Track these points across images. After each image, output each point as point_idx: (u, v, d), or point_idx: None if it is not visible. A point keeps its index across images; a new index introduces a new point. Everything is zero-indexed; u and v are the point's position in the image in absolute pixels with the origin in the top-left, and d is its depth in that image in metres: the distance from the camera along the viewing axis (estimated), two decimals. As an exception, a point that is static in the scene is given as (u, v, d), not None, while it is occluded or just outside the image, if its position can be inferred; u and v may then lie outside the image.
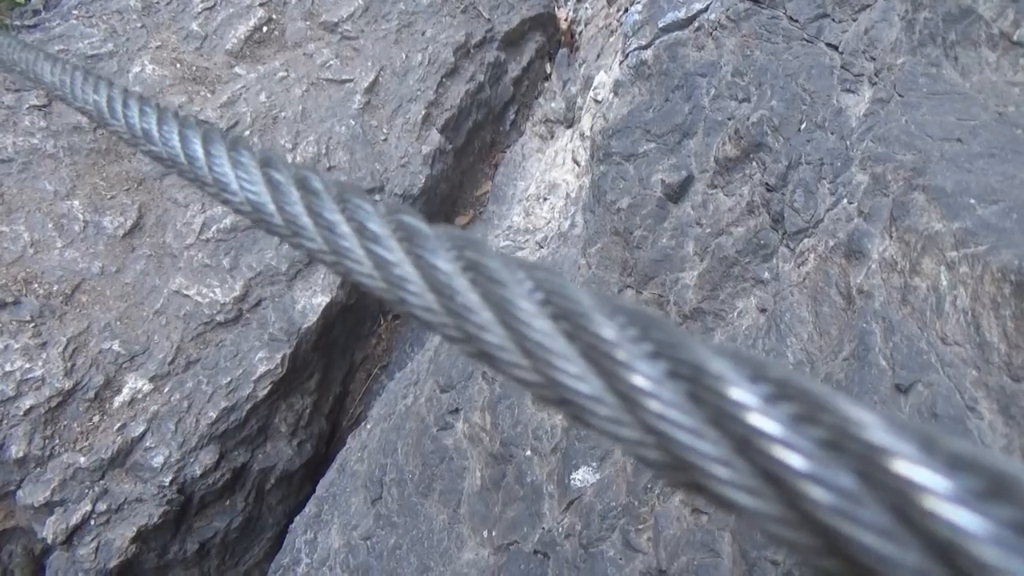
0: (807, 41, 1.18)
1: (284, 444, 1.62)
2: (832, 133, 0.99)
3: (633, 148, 1.19)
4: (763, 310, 0.93)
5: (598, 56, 2.12)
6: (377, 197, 1.81)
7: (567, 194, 1.65)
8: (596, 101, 1.80)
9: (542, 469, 1.09)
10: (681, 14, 1.26)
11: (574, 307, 0.23)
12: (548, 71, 2.31)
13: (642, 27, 1.31)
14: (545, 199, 1.82)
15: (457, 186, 2.00)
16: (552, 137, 2.12)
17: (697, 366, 0.19)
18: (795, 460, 0.16)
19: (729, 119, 1.08)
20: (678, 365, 0.20)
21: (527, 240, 1.67)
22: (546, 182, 1.88)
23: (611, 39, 2.08)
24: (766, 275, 0.95)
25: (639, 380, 0.20)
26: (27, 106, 1.72)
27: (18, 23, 1.86)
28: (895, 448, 0.16)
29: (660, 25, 1.28)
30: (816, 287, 0.87)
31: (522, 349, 0.25)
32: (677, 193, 1.07)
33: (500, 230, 1.78)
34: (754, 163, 1.03)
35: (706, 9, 1.23)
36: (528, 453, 1.14)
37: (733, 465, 0.17)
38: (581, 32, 2.44)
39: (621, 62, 1.35)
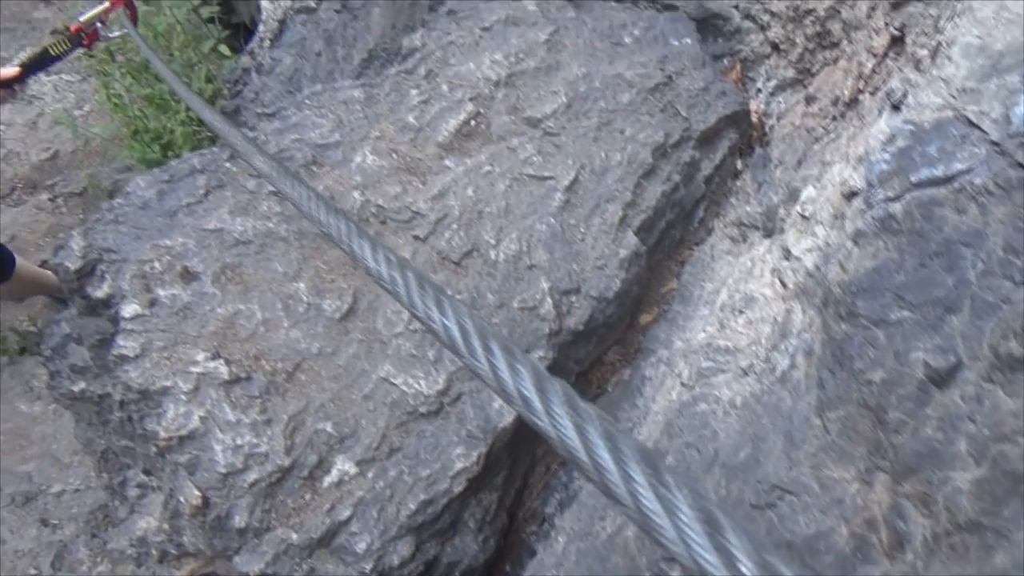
0: (1089, 212, 1.11)
1: (471, 539, 1.66)
2: None
3: (883, 313, 1.15)
4: (1055, 532, 0.87)
5: (799, 163, 2.07)
6: (573, 299, 1.85)
7: (774, 319, 1.61)
8: (803, 217, 1.76)
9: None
10: (938, 172, 1.21)
11: None
12: (738, 167, 2.29)
13: (890, 178, 1.27)
14: (741, 312, 1.79)
15: (644, 283, 2.01)
16: (745, 241, 2.09)
17: None
18: None
19: (1003, 302, 1.03)
20: None
21: (728, 362, 1.64)
22: (741, 293, 1.85)
23: (815, 147, 2.04)
24: (1060, 493, 0.89)
25: None
26: (266, 191, 1.87)
27: (259, 110, 2.04)
28: None
29: (912, 180, 1.24)
30: None
31: None
32: (942, 379, 1.02)
33: (696, 344, 1.76)
34: (1042, 362, 0.97)
35: (969, 171, 1.18)
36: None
37: None
38: (773, 127, 2.40)
39: (863, 211, 1.31)
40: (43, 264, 3.65)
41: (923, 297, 1.11)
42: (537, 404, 0.58)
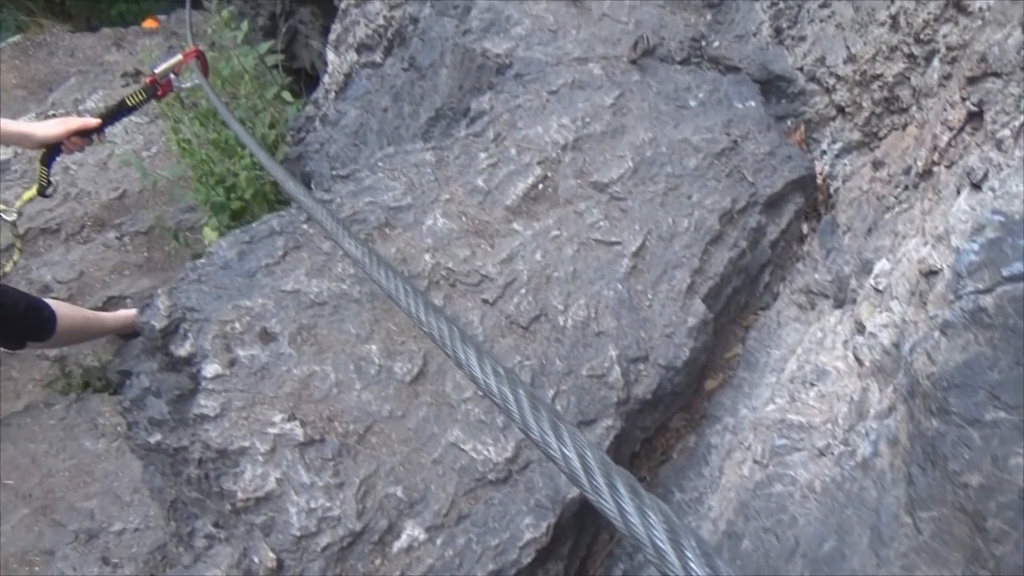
0: None
1: (538, 610, 1.66)
2: None
3: (977, 413, 1.13)
4: None
5: (869, 231, 2.05)
6: (641, 367, 1.85)
7: (850, 397, 1.59)
8: (877, 290, 1.74)
9: None
10: (1032, 267, 1.20)
11: None
12: (804, 231, 2.27)
13: (979, 269, 1.26)
14: (812, 385, 1.77)
15: (710, 349, 2.00)
16: (813, 309, 2.07)
17: None
18: None
19: (1110, 411, 1.01)
20: None
21: (802, 439, 1.62)
22: (812, 364, 1.83)
23: (887, 216, 2.02)
24: None
25: None
26: (341, 253, 1.91)
27: (334, 172, 2.10)
28: None
29: (1004, 274, 1.22)
30: None
31: None
32: (1047, 488, 1.00)
33: (765, 415, 1.74)
34: None
35: (1066, 268, 1.16)
36: None
37: None
38: (838, 190, 2.38)
39: (951, 301, 1.29)
40: (108, 301, 3.78)
41: (1021, 399, 1.09)
42: (673, 558, 0.58)
